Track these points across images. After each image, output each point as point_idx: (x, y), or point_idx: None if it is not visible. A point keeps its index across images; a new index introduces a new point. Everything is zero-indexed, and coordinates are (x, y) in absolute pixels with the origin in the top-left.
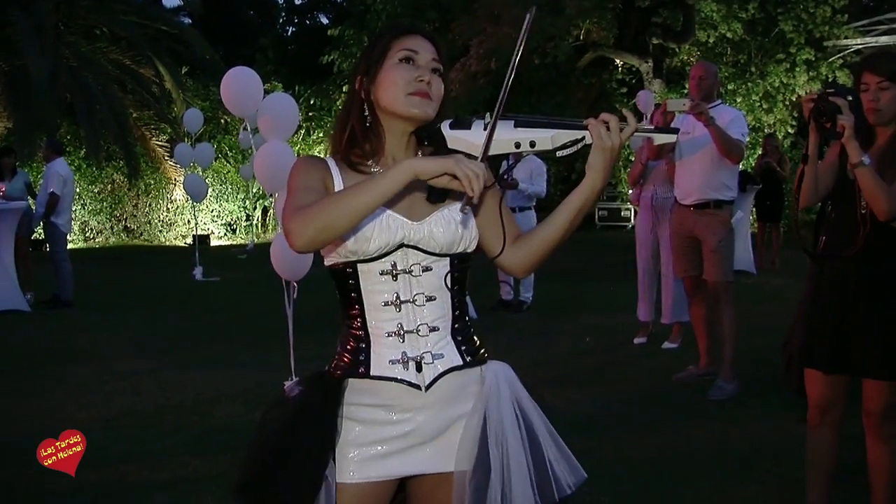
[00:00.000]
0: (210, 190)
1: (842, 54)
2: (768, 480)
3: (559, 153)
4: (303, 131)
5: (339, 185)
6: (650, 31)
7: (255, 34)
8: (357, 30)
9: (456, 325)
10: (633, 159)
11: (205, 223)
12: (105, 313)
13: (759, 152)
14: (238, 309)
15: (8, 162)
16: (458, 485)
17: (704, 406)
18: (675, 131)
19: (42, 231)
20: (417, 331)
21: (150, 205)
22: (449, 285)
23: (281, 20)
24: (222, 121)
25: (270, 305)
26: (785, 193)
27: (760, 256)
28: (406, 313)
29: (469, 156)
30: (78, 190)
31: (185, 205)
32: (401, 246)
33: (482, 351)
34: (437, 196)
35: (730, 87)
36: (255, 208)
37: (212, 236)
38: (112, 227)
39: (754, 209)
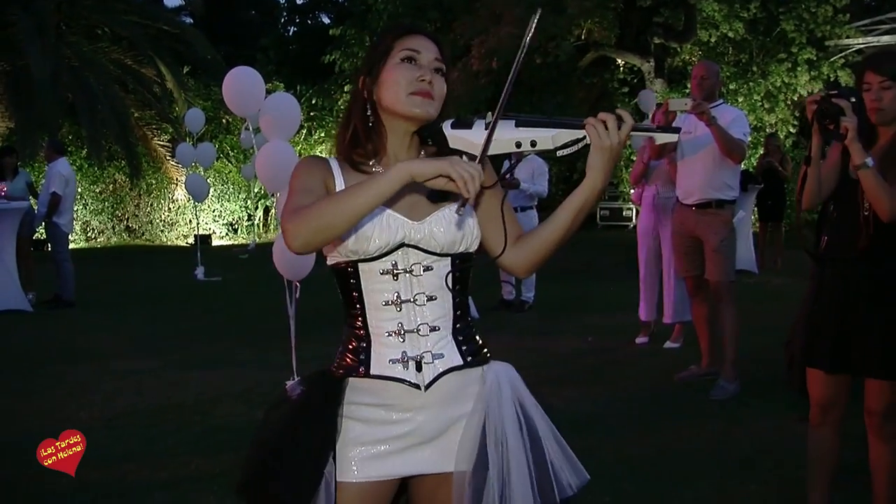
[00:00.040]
0: (212, 190)
1: (843, 54)
2: (770, 480)
3: (559, 153)
4: (304, 131)
5: (340, 185)
6: (652, 30)
7: (256, 34)
8: (358, 29)
9: (457, 325)
10: (634, 159)
11: (206, 223)
12: (106, 313)
13: (761, 152)
14: (239, 309)
15: (9, 162)
16: (457, 485)
17: (706, 406)
18: (677, 131)
19: (44, 231)
20: (418, 330)
21: (151, 205)
22: (450, 285)
23: (282, 20)
24: (224, 121)
25: (272, 305)
26: (786, 193)
27: (762, 256)
28: (406, 313)
29: (471, 156)
30: (79, 190)
31: (187, 205)
32: (401, 245)
33: (484, 351)
34: (438, 196)
35: (731, 86)
36: (256, 208)
37: (213, 236)
38: (114, 227)
39: (756, 209)
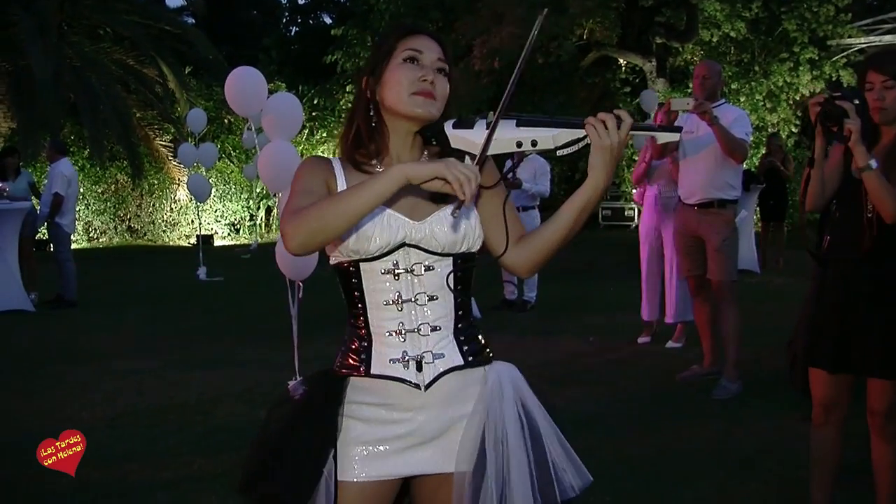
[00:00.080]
0: (213, 190)
1: (845, 53)
2: (771, 479)
3: (559, 152)
4: (306, 131)
5: (341, 185)
6: (653, 30)
7: (258, 34)
8: (360, 30)
9: (459, 325)
10: (636, 158)
11: (208, 223)
12: (108, 313)
13: (763, 151)
14: (241, 309)
15: (11, 162)
16: (457, 486)
17: (708, 405)
18: (678, 130)
19: (46, 231)
20: (418, 330)
21: (153, 205)
22: (451, 285)
23: (284, 20)
24: (226, 121)
25: (274, 305)
26: (788, 192)
27: (764, 255)
28: (407, 312)
29: (472, 155)
30: (81, 190)
31: (189, 205)
32: (402, 245)
33: (487, 351)
34: (440, 196)
35: (733, 86)
36: (258, 208)
37: (215, 236)
38: (116, 228)
39: (758, 208)
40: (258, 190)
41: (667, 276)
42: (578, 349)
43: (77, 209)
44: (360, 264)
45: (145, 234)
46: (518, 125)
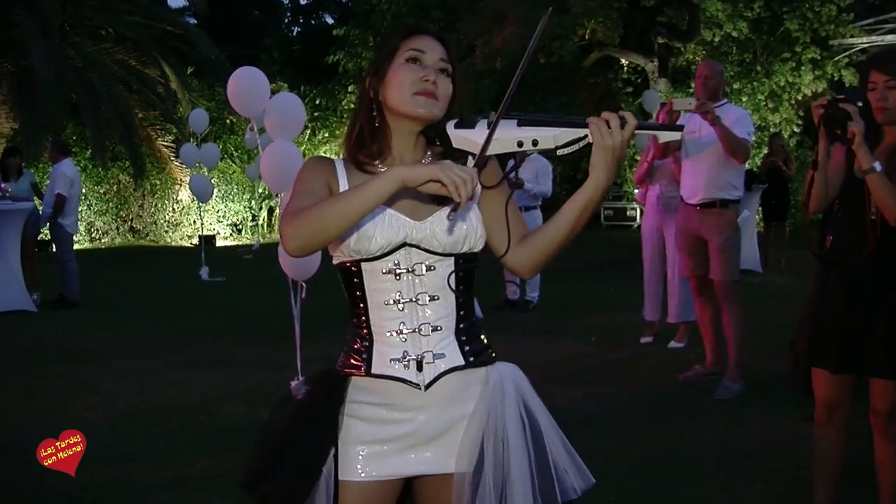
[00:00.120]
0: (216, 190)
1: (847, 53)
2: (774, 479)
3: (560, 152)
4: (308, 131)
5: (343, 186)
6: (655, 30)
7: (260, 34)
8: (362, 30)
9: (461, 325)
10: (638, 158)
11: (210, 223)
12: (110, 313)
13: (765, 151)
14: (243, 309)
15: (14, 162)
16: (457, 486)
17: (710, 405)
18: (680, 128)
19: (48, 232)
20: (419, 330)
21: (155, 205)
22: (453, 285)
23: (286, 20)
24: (228, 121)
25: (276, 305)
26: (790, 192)
27: (766, 255)
28: (409, 312)
29: (474, 155)
30: (84, 190)
31: (191, 205)
32: (403, 245)
33: (489, 352)
34: (442, 196)
35: (735, 86)
36: (260, 208)
37: (217, 236)
38: (118, 228)
39: (760, 208)
40: (260, 190)
41: (669, 276)
42: (580, 349)
43: (79, 210)
44: (362, 264)
45: (147, 235)
46: (519, 125)
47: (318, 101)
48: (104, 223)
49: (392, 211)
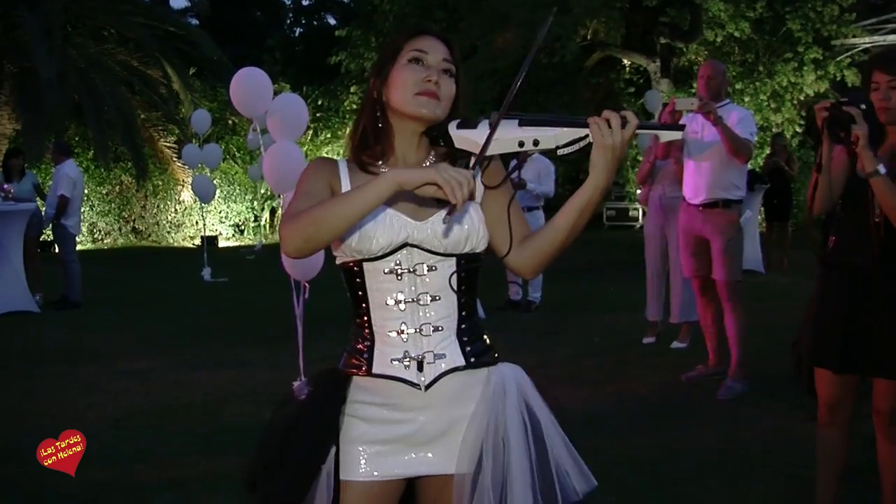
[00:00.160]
0: (218, 191)
1: (850, 53)
2: (777, 479)
3: (560, 151)
4: (310, 132)
5: (345, 186)
6: (657, 30)
7: (262, 35)
8: (364, 30)
9: (462, 326)
10: (641, 159)
11: (213, 224)
12: (113, 314)
13: (768, 152)
14: (246, 309)
15: (16, 163)
16: (457, 487)
17: (713, 405)
18: (681, 128)
19: (51, 232)
20: (420, 330)
21: (158, 206)
22: (454, 285)
23: (288, 21)
24: (230, 122)
25: (278, 306)
26: (793, 193)
27: (769, 256)
28: (410, 313)
29: (475, 155)
30: (86, 191)
31: (193, 206)
32: (404, 245)
33: (491, 352)
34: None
35: (737, 86)
36: (262, 209)
37: (220, 237)
38: (120, 229)
39: (763, 208)
40: (262, 191)
41: (671, 277)
42: (583, 349)
43: (82, 210)
44: (364, 264)
45: (150, 236)
46: (520, 125)
47: (320, 102)
48: (106, 224)
49: (393, 211)
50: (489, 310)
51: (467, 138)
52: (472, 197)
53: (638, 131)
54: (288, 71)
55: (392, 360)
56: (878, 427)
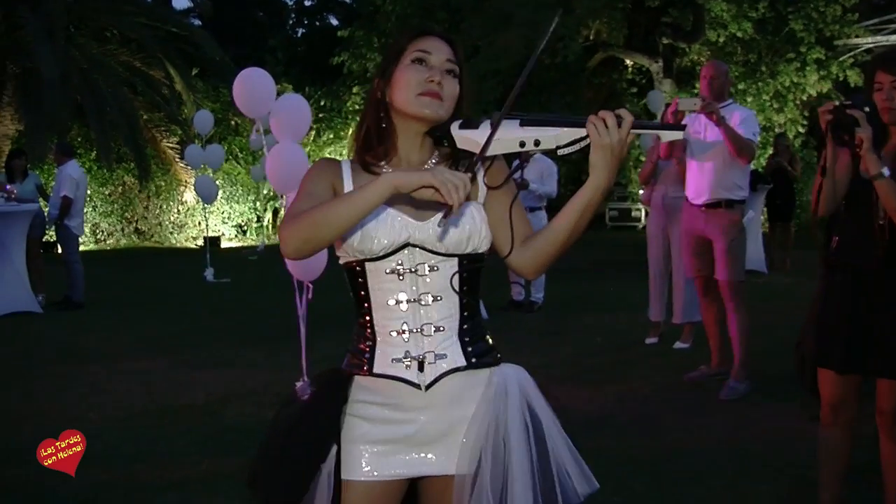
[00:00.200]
0: (220, 192)
1: (852, 53)
2: (780, 479)
3: (560, 151)
4: (313, 133)
5: (348, 187)
6: (660, 30)
7: (264, 35)
8: (367, 31)
9: (464, 326)
10: (643, 159)
11: (215, 225)
12: (116, 314)
13: (770, 152)
14: (248, 310)
15: (19, 164)
16: (458, 488)
17: (716, 406)
18: (682, 127)
19: (54, 233)
20: (421, 330)
21: (160, 206)
22: (456, 286)
23: (291, 21)
24: (233, 122)
25: (281, 306)
26: (796, 193)
27: (771, 256)
28: (411, 313)
29: (475, 155)
30: (89, 192)
31: (196, 206)
32: (406, 245)
33: (494, 353)
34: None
35: (740, 86)
36: (265, 210)
37: (222, 238)
38: (123, 229)
39: (765, 209)
40: (265, 192)
41: (674, 277)
42: (585, 350)
43: (84, 211)
44: (366, 264)
45: (152, 236)
46: (522, 125)
47: (322, 103)
48: (109, 224)
49: (395, 211)
50: (492, 310)
51: (469, 138)
52: (469, 198)
53: (638, 131)
54: (290, 71)
55: (393, 359)
56: (880, 427)
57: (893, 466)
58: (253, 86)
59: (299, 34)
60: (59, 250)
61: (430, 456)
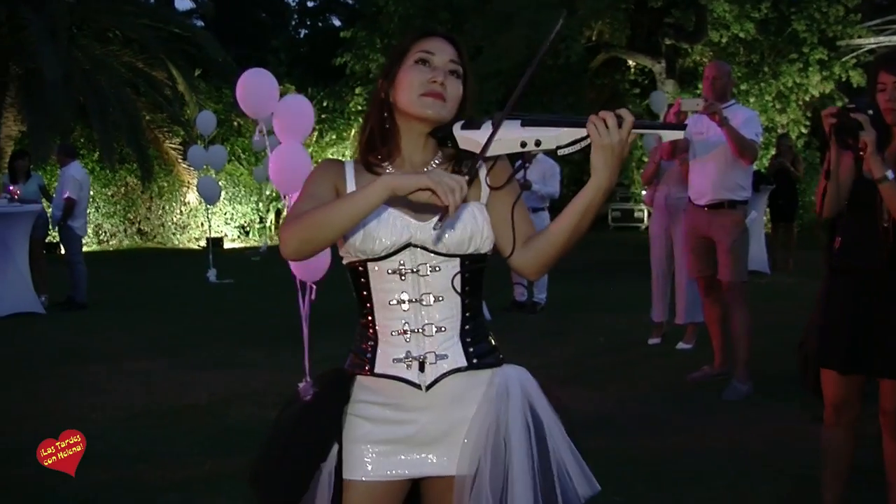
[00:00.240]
0: (223, 192)
1: (855, 54)
2: (783, 480)
3: (560, 152)
4: (315, 133)
5: (350, 188)
6: (662, 31)
7: (266, 36)
8: (369, 32)
9: (466, 327)
10: (646, 160)
11: (218, 226)
12: (119, 315)
13: (773, 152)
14: (251, 311)
15: (22, 165)
16: (458, 489)
17: (718, 406)
18: (682, 127)
19: (57, 234)
20: (423, 330)
21: (163, 207)
22: (458, 286)
23: (293, 22)
24: (235, 123)
25: (283, 307)
26: (798, 193)
27: (774, 256)
28: (413, 313)
29: (476, 155)
30: (91, 193)
31: (199, 207)
32: (408, 245)
33: (496, 354)
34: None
35: (743, 87)
36: (268, 210)
37: (225, 239)
38: (125, 230)
39: (768, 209)
40: (268, 192)
41: (677, 278)
42: (588, 350)
43: (87, 212)
44: (368, 264)
45: (155, 237)
46: (523, 125)
47: (325, 104)
48: (112, 225)
49: (397, 212)
50: (494, 311)
51: (471, 139)
52: (471, 199)
53: (639, 131)
54: (293, 72)
55: (394, 360)
56: (884, 427)
57: None
58: (256, 86)
59: (302, 35)
60: (63, 251)
61: (431, 456)
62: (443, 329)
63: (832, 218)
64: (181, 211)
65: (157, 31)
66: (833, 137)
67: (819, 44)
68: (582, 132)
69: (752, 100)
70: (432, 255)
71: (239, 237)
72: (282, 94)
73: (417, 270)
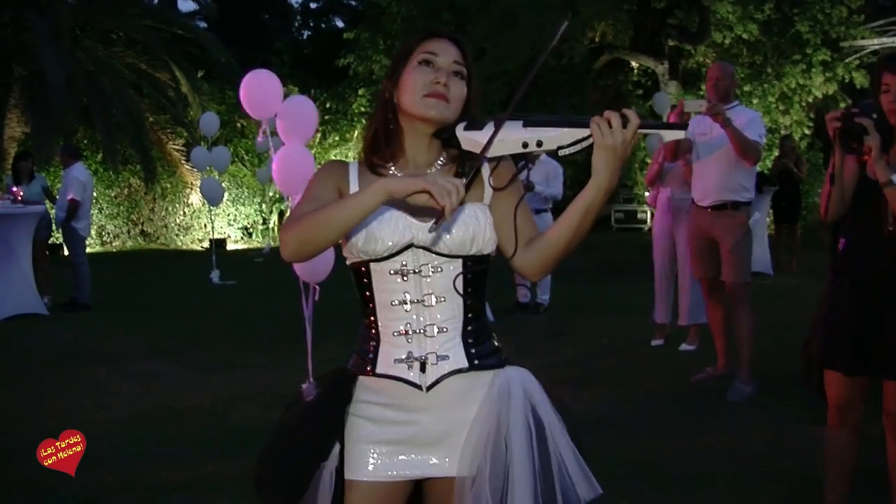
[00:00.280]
0: (226, 194)
1: (858, 55)
2: (787, 481)
3: (562, 152)
4: (319, 135)
5: (353, 189)
6: (665, 32)
7: (270, 37)
8: (372, 33)
9: (468, 328)
10: (649, 161)
11: (221, 227)
12: (122, 316)
13: (776, 154)
14: (254, 312)
15: (25, 166)
16: (458, 490)
17: (722, 407)
18: (684, 127)
19: (61, 235)
20: (424, 331)
21: (166, 209)
22: (459, 287)
23: (296, 23)
24: (238, 124)
25: (286, 308)
26: (801, 194)
27: (777, 257)
28: (415, 313)
29: (477, 156)
30: (95, 194)
31: (202, 208)
32: (410, 246)
33: (499, 355)
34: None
35: (746, 88)
36: (271, 212)
37: (228, 240)
38: (129, 231)
39: (771, 210)
40: (270, 194)
41: (680, 279)
42: (591, 351)
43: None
44: (371, 264)
45: (158, 238)
46: (525, 126)
47: (328, 105)
48: (115, 226)
49: (399, 212)
50: (498, 312)
51: (473, 139)
52: (474, 200)
53: (642, 132)
54: (296, 73)
55: (395, 360)
56: (887, 428)
57: None
58: (259, 87)
59: (305, 36)
60: (66, 252)
61: (431, 457)
62: (444, 330)
63: (836, 220)
64: (184, 212)
65: (161, 32)
66: (837, 141)
67: (822, 45)
68: (584, 132)
69: (755, 101)
70: (434, 255)
71: (242, 238)
72: (285, 96)
73: (419, 271)
